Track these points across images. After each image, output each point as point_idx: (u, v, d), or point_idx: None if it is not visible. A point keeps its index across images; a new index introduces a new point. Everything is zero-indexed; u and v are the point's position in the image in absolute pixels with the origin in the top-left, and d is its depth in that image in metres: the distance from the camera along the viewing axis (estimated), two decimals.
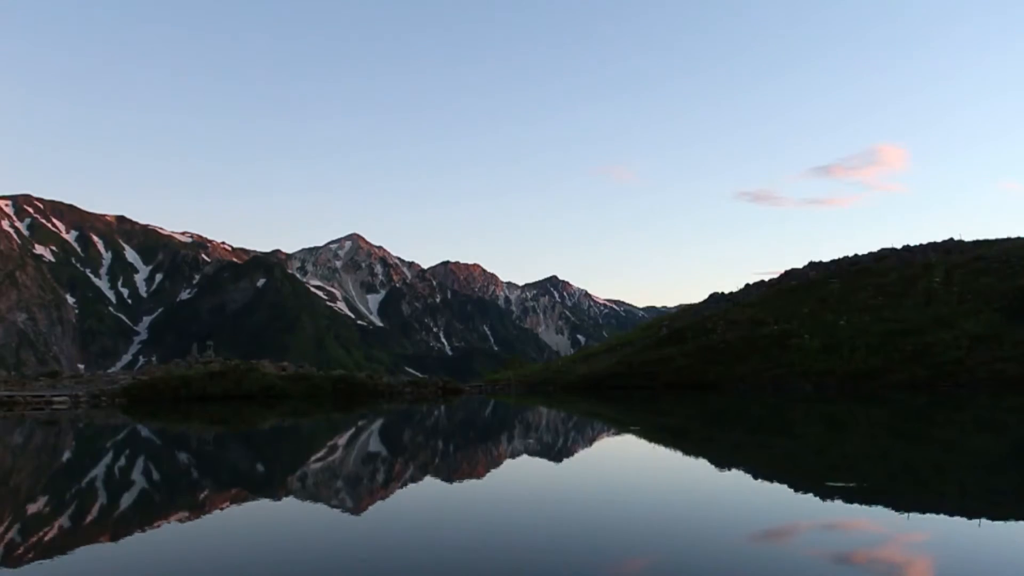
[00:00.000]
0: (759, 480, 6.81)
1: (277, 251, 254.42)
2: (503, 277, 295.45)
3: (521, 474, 7.61)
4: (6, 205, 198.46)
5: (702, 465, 8.09)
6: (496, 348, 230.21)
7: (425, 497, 6.23)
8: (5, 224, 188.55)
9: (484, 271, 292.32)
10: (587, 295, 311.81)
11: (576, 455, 9.34)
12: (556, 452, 9.42)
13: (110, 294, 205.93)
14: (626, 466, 8.08)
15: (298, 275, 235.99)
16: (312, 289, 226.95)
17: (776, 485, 6.57)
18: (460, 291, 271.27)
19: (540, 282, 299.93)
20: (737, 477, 7.05)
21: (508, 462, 8.57)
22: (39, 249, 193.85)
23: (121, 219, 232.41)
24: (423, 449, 10.09)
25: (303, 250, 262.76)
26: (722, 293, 35.17)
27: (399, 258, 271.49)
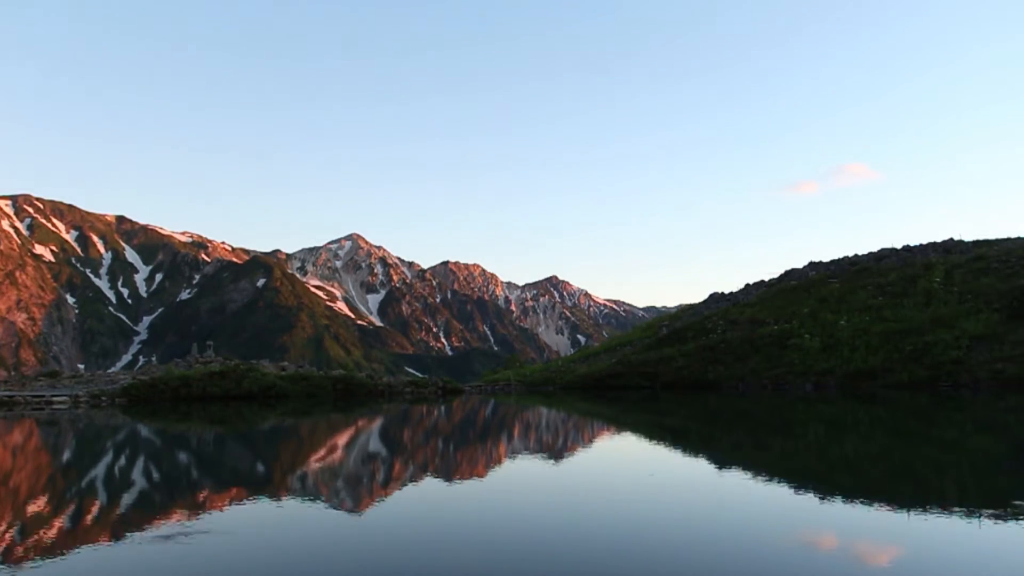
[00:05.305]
0: (759, 480, 6.81)
1: (277, 251, 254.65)
2: (503, 277, 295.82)
3: (520, 475, 7.60)
4: (6, 205, 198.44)
5: (702, 465, 8.09)
6: (496, 348, 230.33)
7: (425, 497, 6.23)
8: (5, 224, 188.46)
9: (484, 271, 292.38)
10: (587, 295, 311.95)
11: (575, 455, 9.34)
12: (555, 452, 9.42)
13: (110, 294, 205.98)
14: (626, 466, 8.08)
15: (298, 275, 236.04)
16: (312, 289, 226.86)
17: (776, 485, 6.57)
18: (460, 291, 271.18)
19: (540, 282, 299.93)
20: (737, 477, 7.04)
21: (507, 462, 8.57)
22: (39, 249, 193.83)
23: (121, 219, 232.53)
24: (423, 449, 10.10)
25: (303, 250, 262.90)
26: (722, 293, 35.21)
27: (399, 258, 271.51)
